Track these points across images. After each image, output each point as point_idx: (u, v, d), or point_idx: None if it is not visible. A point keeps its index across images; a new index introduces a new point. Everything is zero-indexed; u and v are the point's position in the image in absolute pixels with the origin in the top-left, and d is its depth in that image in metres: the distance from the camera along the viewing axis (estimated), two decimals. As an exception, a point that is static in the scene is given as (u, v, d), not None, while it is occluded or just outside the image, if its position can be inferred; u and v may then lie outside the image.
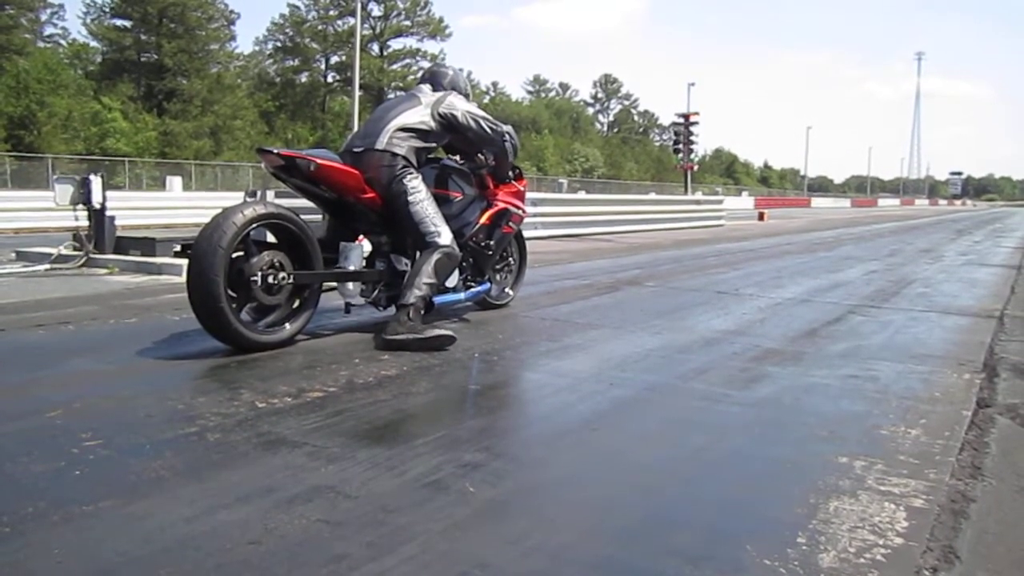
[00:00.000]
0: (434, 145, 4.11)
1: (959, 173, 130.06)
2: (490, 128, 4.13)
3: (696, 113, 26.97)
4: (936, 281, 6.92)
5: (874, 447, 2.28)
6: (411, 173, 3.85)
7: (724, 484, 2.02)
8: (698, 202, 19.91)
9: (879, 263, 8.73)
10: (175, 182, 20.30)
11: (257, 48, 54.76)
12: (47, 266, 6.64)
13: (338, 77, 54.97)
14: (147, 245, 6.88)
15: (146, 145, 38.08)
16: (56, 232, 10.50)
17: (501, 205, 4.54)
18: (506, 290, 4.89)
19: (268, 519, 1.68)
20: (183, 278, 5.87)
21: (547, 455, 2.22)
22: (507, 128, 4.31)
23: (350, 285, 3.85)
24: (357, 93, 25.60)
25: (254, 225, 3.31)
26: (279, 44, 54.24)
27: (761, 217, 23.76)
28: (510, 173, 4.63)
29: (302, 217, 3.56)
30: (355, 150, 3.89)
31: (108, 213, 7.06)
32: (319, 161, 3.64)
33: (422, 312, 3.67)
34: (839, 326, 4.38)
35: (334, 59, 54.92)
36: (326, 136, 48.32)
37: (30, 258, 7.08)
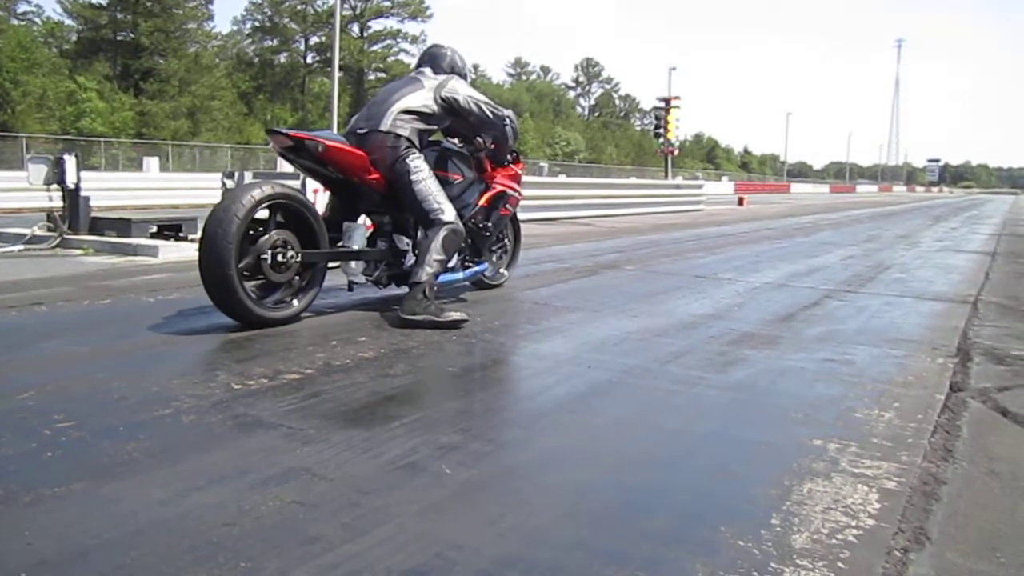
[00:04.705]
0: (436, 128, 4.16)
1: (937, 160, 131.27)
2: (491, 112, 4.19)
3: (677, 97, 26.91)
4: (912, 267, 6.99)
5: (848, 430, 2.30)
6: (414, 154, 3.91)
7: (699, 466, 2.04)
8: (678, 187, 19.95)
9: (856, 248, 8.80)
10: (152, 163, 20.02)
11: (235, 28, 54.17)
12: (20, 247, 6.55)
13: (318, 58, 54.34)
14: (122, 226, 6.80)
15: (122, 125, 37.43)
16: (30, 212, 10.36)
17: (499, 187, 4.60)
18: (501, 270, 5.00)
19: (242, 501, 1.67)
20: (159, 259, 5.86)
21: (524, 437, 2.23)
22: (507, 112, 4.36)
23: (353, 264, 3.92)
24: (337, 74, 25.33)
25: (263, 205, 3.37)
26: (257, 24, 53.60)
27: (741, 202, 23.89)
28: (508, 156, 4.66)
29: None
30: (359, 132, 3.93)
31: (83, 193, 6.97)
32: (327, 142, 3.71)
33: (435, 289, 3.75)
34: (816, 310, 4.42)
35: (313, 40, 54.24)
36: (306, 118, 47.82)
37: (3, 238, 6.96)
